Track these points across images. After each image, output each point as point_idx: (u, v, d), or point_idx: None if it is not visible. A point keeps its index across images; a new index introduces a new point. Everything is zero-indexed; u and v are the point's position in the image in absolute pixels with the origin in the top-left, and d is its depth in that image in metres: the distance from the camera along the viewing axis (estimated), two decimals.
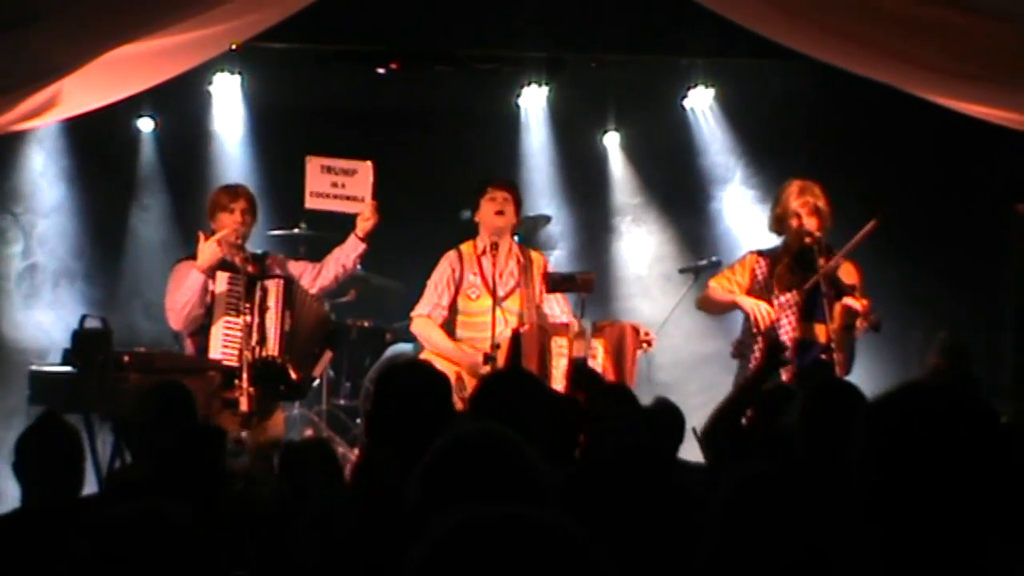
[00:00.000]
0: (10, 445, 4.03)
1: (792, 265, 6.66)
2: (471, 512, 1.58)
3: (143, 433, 4.33)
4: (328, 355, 6.85)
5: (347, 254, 6.72)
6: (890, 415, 2.07)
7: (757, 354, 6.47)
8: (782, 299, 6.64)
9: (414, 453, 3.15)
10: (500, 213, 6.71)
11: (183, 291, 6.47)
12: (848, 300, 6.45)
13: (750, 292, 6.72)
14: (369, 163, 6.68)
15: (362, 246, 6.69)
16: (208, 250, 6.40)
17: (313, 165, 6.71)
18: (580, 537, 1.55)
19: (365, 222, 6.64)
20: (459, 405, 4.90)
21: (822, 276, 6.48)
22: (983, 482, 1.98)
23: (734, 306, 6.74)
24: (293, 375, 6.52)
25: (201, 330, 6.55)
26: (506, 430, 2.53)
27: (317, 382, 7.54)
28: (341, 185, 6.65)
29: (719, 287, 6.82)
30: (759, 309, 6.56)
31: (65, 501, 3.86)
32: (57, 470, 3.97)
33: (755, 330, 6.55)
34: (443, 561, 1.54)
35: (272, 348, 6.48)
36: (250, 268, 6.55)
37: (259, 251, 6.94)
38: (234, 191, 6.76)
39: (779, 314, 6.61)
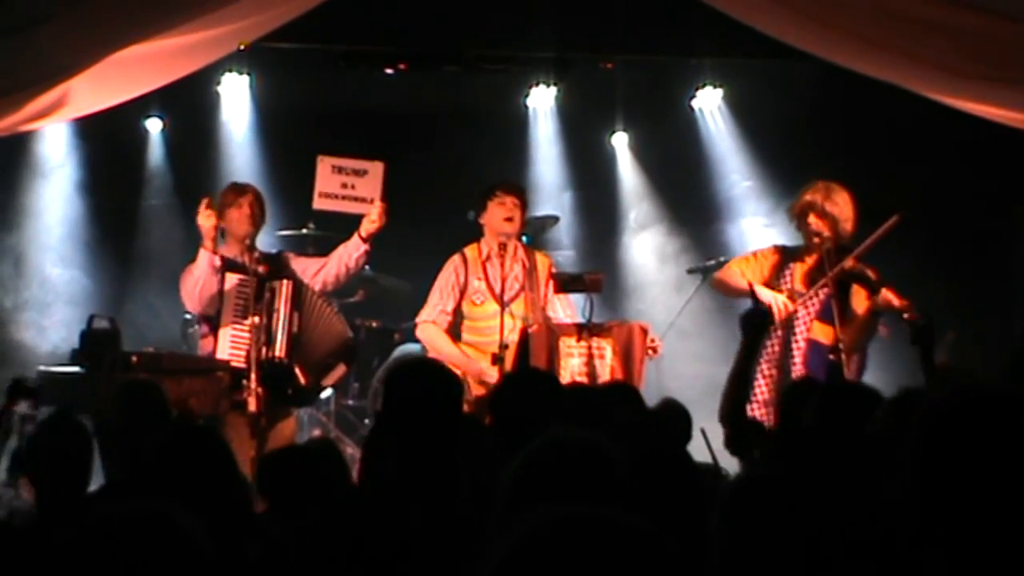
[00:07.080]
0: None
1: (818, 265, 6.47)
2: (560, 511, 1.56)
3: (117, 434, 4.26)
4: (342, 369, 6.77)
5: (350, 254, 6.68)
6: (949, 428, 1.92)
7: (770, 349, 6.43)
8: (802, 297, 6.49)
9: (419, 451, 3.13)
10: (510, 219, 6.62)
11: (194, 275, 6.48)
12: (887, 294, 6.25)
13: (767, 284, 6.54)
14: (380, 164, 6.61)
15: (364, 247, 6.64)
16: (205, 221, 6.40)
17: (324, 165, 6.62)
18: (673, 546, 1.54)
19: (371, 224, 6.58)
20: (464, 408, 4.88)
21: (833, 277, 6.34)
22: None
23: (750, 293, 6.44)
24: (301, 378, 6.50)
25: (212, 331, 6.55)
26: (603, 439, 2.52)
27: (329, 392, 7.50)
28: (351, 186, 6.57)
29: (737, 271, 6.67)
30: (776, 301, 6.40)
31: (71, 500, 3.86)
32: (66, 469, 3.97)
33: (772, 322, 6.26)
34: (530, 557, 1.53)
35: (279, 349, 6.45)
36: (260, 268, 6.52)
37: (273, 251, 6.93)
38: (241, 188, 6.76)
39: (796, 308, 6.47)
